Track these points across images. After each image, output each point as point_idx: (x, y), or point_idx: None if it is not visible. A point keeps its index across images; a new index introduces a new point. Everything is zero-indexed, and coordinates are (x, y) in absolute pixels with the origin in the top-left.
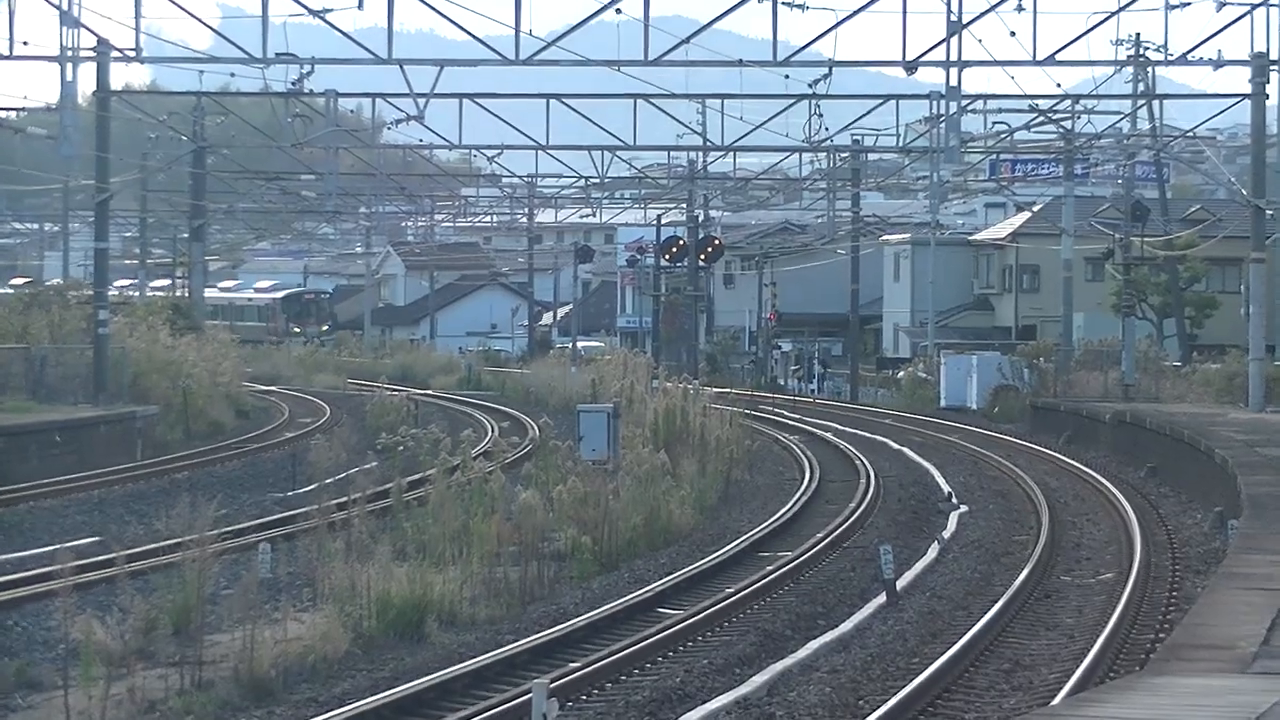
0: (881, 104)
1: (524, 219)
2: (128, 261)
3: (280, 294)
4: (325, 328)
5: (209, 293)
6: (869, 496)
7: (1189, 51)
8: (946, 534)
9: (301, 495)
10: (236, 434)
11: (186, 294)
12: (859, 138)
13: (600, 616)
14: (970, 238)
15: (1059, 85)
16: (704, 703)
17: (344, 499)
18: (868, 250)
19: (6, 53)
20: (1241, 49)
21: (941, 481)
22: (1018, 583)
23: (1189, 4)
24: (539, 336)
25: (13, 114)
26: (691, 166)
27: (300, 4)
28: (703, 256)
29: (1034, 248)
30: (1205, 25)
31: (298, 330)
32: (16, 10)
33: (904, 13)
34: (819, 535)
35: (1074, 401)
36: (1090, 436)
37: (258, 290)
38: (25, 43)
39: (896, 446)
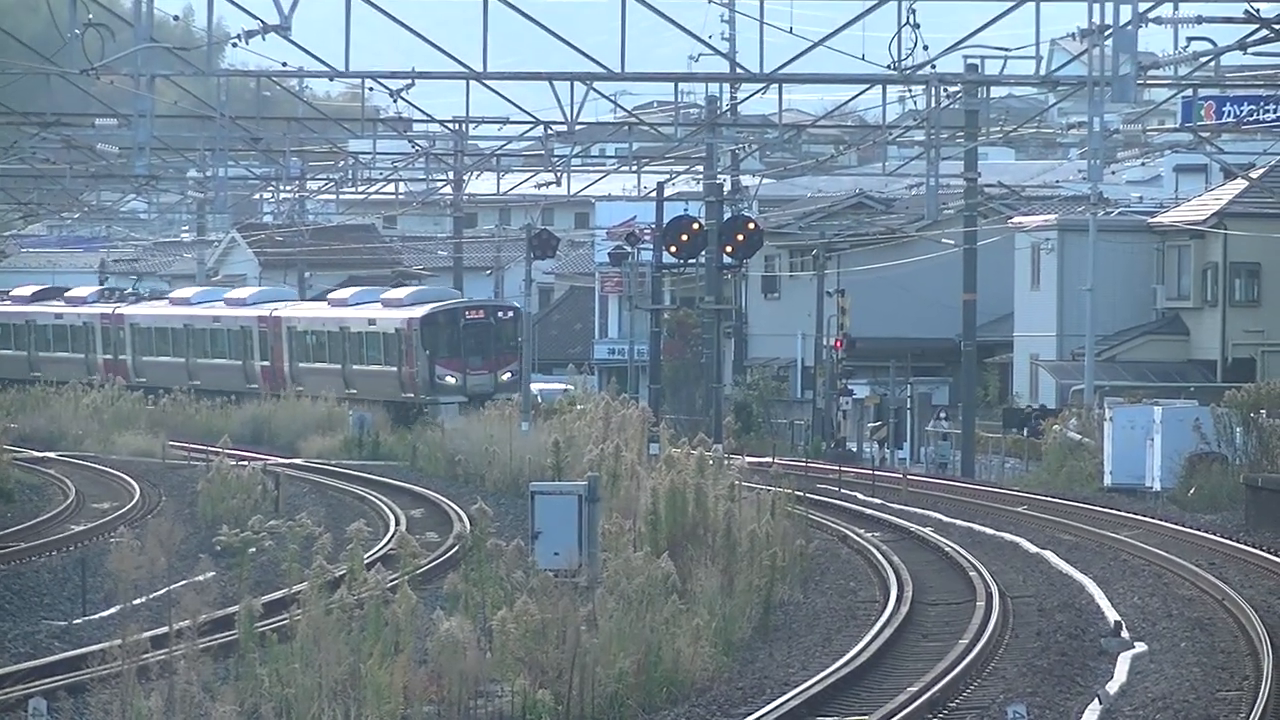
0: (1013, 8)
1: (447, 189)
2: None
3: (419, 311)
4: (508, 375)
5: (308, 311)
6: (991, 628)
7: None
8: (1113, 688)
9: (96, 624)
10: None
11: None
12: (976, 62)
13: None
14: (1152, 220)
15: None
16: None
17: (163, 630)
18: (990, 239)
19: None
20: None
21: (1105, 605)
22: None
23: None
24: None
25: None
26: (712, 106)
27: None
28: (730, 249)
29: (1252, 236)
30: None
31: (452, 380)
32: None
33: None
34: (912, 689)
35: None
36: None
37: (386, 304)
38: None
39: (1034, 549)
